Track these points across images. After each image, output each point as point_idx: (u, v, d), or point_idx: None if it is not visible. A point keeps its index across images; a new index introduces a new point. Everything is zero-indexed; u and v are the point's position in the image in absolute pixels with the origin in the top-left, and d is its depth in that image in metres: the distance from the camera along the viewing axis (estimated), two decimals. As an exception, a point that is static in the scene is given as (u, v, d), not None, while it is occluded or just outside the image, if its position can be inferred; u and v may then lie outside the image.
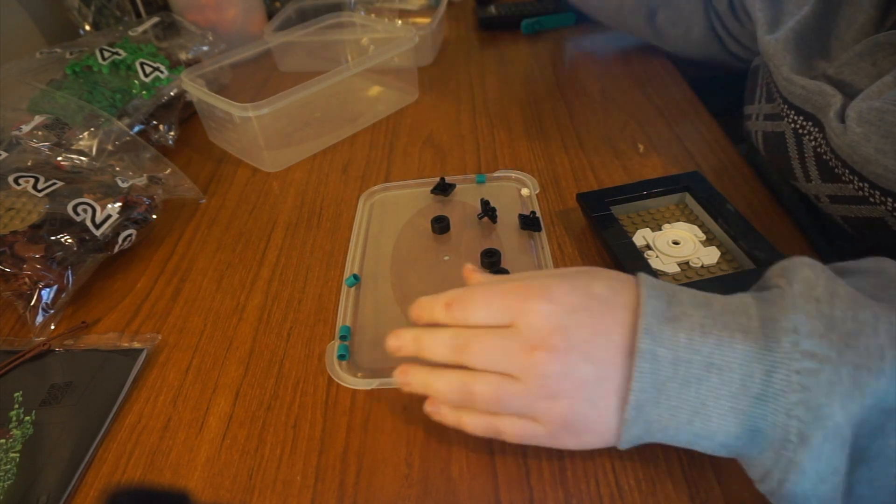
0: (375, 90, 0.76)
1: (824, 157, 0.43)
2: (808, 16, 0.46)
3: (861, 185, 0.40)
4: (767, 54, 0.49)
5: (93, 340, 0.46)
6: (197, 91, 0.63)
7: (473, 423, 0.34)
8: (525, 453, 0.36)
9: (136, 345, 0.45)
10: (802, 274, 0.29)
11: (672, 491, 0.33)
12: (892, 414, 0.26)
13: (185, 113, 0.73)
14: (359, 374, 0.41)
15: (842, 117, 0.41)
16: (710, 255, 0.45)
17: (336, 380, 0.41)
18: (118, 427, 0.40)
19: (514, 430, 0.33)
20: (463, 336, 0.33)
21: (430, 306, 0.35)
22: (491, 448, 0.36)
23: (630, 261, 0.44)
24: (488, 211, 0.52)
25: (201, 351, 0.45)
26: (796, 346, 0.27)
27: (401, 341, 0.36)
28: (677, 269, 0.45)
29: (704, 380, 0.29)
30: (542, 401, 0.32)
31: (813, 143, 0.45)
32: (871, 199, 0.40)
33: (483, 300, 0.33)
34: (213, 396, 0.41)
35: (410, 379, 0.35)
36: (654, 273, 0.43)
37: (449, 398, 0.34)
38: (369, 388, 0.40)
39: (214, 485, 0.36)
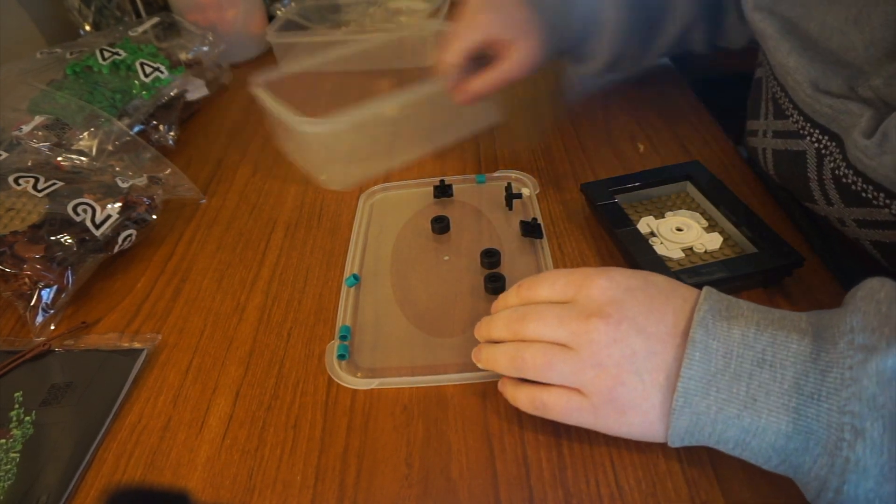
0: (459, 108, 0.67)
1: (843, 180, 0.41)
2: (830, 24, 0.41)
3: None
4: (784, 69, 0.45)
5: (93, 340, 0.46)
6: (266, 99, 0.59)
7: (521, 398, 0.35)
8: (525, 453, 0.36)
9: (137, 345, 0.45)
10: (869, 284, 0.29)
11: (672, 491, 0.33)
12: None
13: (185, 113, 0.73)
14: (359, 374, 0.41)
15: (869, 133, 0.37)
16: (713, 241, 0.46)
17: (336, 380, 0.41)
18: (118, 427, 0.40)
19: (559, 402, 0.34)
20: (522, 310, 0.36)
21: (505, 294, 0.39)
22: (491, 448, 0.36)
23: (635, 247, 0.45)
24: (511, 196, 0.53)
25: (201, 351, 0.45)
26: (851, 343, 0.27)
27: (478, 326, 0.39)
28: (681, 254, 0.46)
29: (756, 375, 0.29)
30: (591, 368, 0.32)
31: (832, 164, 0.42)
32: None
33: (549, 280, 0.36)
34: (213, 396, 0.41)
35: (481, 356, 0.38)
36: (660, 258, 0.44)
37: (505, 367, 0.36)
38: (369, 388, 0.40)
39: (214, 485, 0.36)
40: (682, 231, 0.48)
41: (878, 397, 0.26)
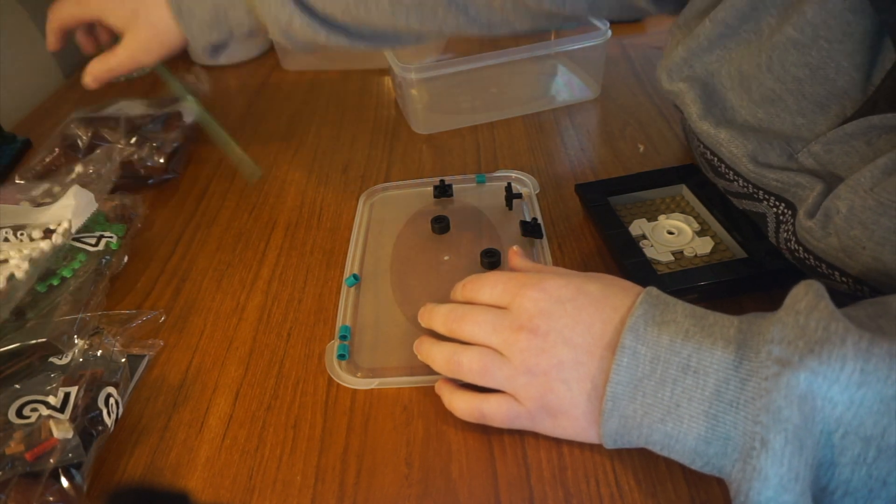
0: (555, 78, 0.75)
1: (796, 254, 0.39)
2: (747, 73, 0.40)
3: (859, 287, 0.36)
4: (715, 141, 0.42)
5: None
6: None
7: (460, 406, 0.37)
8: (525, 453, 0.36)
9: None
10: (795, 290, 0.29)
11: (672, 491, 0.33)
12: (851, 432, 0.26)
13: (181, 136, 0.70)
14: (359, 374, 0.41)
15: (812, 212, 0.36)
16: (704, 245, 0.46)
17: (336, 380, 0.41)
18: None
19: (498, 409, 0.35)
20: (461, 310, 0.37)
21: (455, 287, 0.40)
22: (491, 448, 0.36)
23: (625, 250, 0.45)
24: (511, 196, 0.53)
25: (201, 351, 0.45)
26: (770, 354, 0.27)
27: (422, 311, 0.40)
28: (671, 258, 0.45)
29: (680, 381, 0.29)
30: (522, 375, 0.34)
31: (785, 234, 0.40)
32: (860, 294, 0.36)
33: (490, 283, 0.38)
34: (213, 396, 0.41)
35: (421, 349, 0.39)
36: (648, 261, 0.44)
37: (440, 367, 0.37)
38: (369, 388, 0.40)
39: (214, 485, 0.36)
40: (673, 234, 0.47)
41: (784, 410, 0.26)
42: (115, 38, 0.57)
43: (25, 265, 0.46)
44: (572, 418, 0.33)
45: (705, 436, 0.29)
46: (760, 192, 0.42)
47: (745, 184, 0.42)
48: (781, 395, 0.26)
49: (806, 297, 0.28)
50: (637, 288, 0.35)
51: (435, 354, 0.38)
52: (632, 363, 0.30)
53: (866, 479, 0.26)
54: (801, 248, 0.38)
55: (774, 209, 0.41)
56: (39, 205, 0.53)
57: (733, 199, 0.46)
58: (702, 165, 0.49)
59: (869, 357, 0.26)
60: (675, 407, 0.29)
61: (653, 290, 0.33)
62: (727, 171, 0.44)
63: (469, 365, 0.36)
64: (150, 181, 0.62)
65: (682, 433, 0.29)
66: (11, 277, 0.45)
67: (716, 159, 0.44)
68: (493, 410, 0.35)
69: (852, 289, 0.36)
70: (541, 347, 0.33)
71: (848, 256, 0.35)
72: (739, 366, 0.28)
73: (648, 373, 0.30)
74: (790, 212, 0.40)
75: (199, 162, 0.67)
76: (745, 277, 0.42)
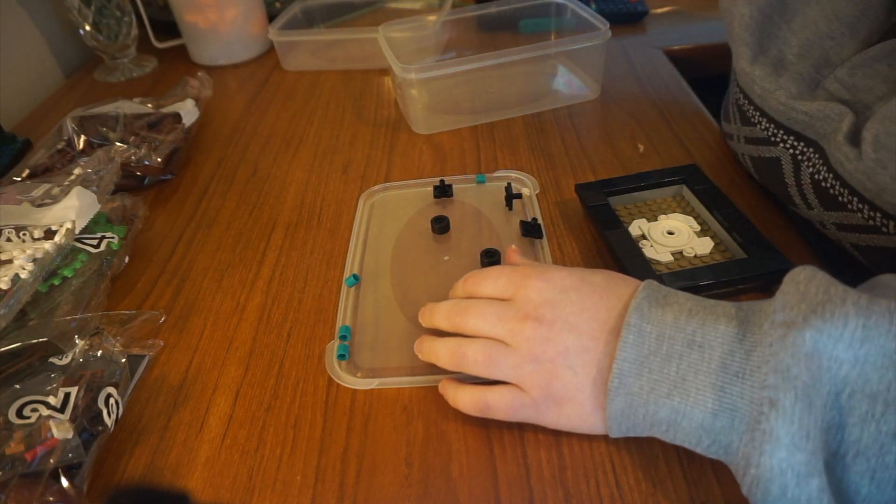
0: (555, 78, 0.76)
1: (823, 184, 0.41)
2: (805, 29, 0.43)
3: (872, 213, 0.38)
4: (750, 80, 0.46)
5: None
6: (383, 45, 0.68)
7: (464, 399, 0.36)
8: (525, 453, 0.36)
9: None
10: (792, 271, 0.30)
11: (672, 491, 0.33)
12: (857, 391, 0.26)
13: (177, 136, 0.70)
14: (359, 374, 0.41)
15: (852, 139, 0.38)
16: (704, 246, 0.46)
17: (336, 380, 0.41)
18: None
19: (502, 398, 0.35)
20: (463, 304, 0.38)
21: (455, 285, 0.41)
22: (491, 448, 0.36)
23: (624, 250, 0.45)
24: (511, 196, 0.53)
25: (201, 351, 0.45)
26: (773, 323, 0.28)
27: (422, 311, 0.40)
28: (671, 258, 0.46)
29: (685, 356, 0.30)
30: (529, 363, 0.34)
31: (811, 169, 0.42)
32: (885, 230, 0.38)
33: (493, 276, 0.38)
34: (213, 396, 0.41)
35: (422, 347, 0.39)
36: (648, 261, 0.44)
37: (445, 362, 0.37)
38: (369, 388, 0.40)
39: (214, 485, 0.36)
40: (673, 235, 0.47)
41: (793, 368, 0.26)
42: None
43: (30, 266, 0.46)
44: (577, 404, 0.33)
45: (712, 408, 0.29)
46: (780, 133, 0.43)
47: (768, 125, 0.44)
48: (789, 354, 0.27)
49: (803, 271, 0.29)
50: (638, 280, 0.35)
51: (439, 350, 0.38)
52: (638, 340, 0.31)
53: (876, 434, 0.26)
54: (830, 175, 0.40)
55: (791, 150, 0.43)
56: (40, 205, 0.53)
57: (750, 147, 0.48)
58: (732, 116, 0.51)
59: (869, 314, 0.26)
60: (682, 381, 0.30)
61: (652, 282, 0.34)
62: (754, 113, 0.46)
63: (474, 356, 0.36)
64: (146, 181, 0.62)
65: (688, 407, 0.29)
66: (16, 278, 0.45)
67: (746, 102, 0.47)
68: (497, 400, 0.35)
69: (879, 225, 0.38)
70: (546, 336, 0.34)
71: (868, 178, 0.36)
72: (743, 338, 0.29)
73: (654, 349, 0.31)
74: (811, 149, 0.41)
75: (198, 163, 0.67)
76: (745, 278, 0.42)
